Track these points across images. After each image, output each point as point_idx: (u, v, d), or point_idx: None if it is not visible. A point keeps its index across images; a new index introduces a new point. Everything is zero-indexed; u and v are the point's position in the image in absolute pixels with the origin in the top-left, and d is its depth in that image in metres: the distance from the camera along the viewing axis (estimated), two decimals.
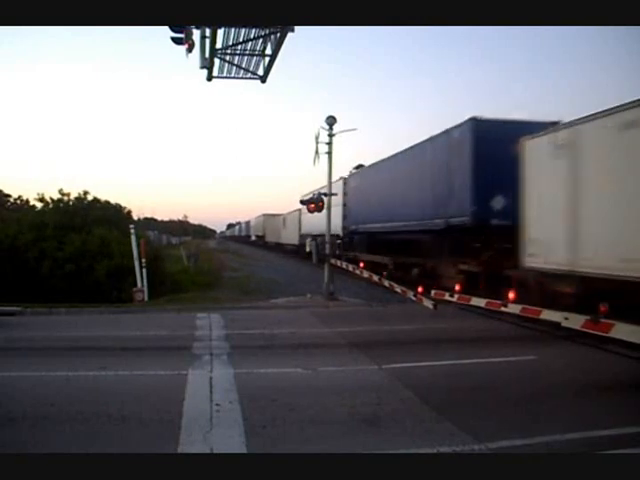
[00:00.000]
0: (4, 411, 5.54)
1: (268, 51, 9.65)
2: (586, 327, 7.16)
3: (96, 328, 10.95)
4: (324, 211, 16.05)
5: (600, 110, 8.29)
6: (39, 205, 21.73)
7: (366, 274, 15.79)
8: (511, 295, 9.18)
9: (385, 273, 15.24)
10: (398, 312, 12.84)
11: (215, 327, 10.75)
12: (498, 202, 12.20)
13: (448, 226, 13.56)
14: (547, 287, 9.51)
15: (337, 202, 21.46)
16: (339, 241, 23.10)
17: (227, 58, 9.90)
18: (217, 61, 9.90)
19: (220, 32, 8.81)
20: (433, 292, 11.64)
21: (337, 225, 22.67)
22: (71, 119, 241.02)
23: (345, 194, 23.26)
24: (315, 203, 15.91)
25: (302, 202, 17.66)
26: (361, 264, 18.04)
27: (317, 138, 15.44)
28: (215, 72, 10.24)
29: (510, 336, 9.93)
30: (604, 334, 6.95)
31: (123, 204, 25.35)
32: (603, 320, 6.85)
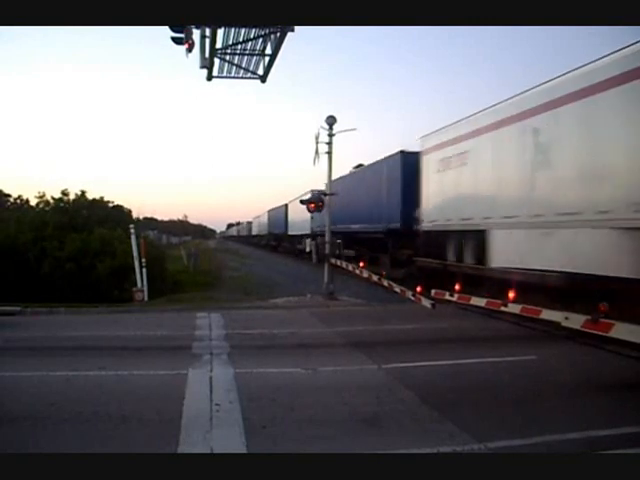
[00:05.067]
0: (4, 411, 5.55)
1: (268, 51, 9.65)
2: (586, 327, 7.15)
3: (96, 328, 10.95)
4: None
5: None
6: (39, 203, 21.76)
7: (366, 274, 15.77)
8: (511, 295, 9.18)
9: (385, 273, 15.32)
10: (398, 312, 12.83)
11: (215, 327, 10.75)
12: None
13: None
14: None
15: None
16: (339, 241, 23.11)
17: (227, 58, 9.90)
18: (217, 61, 9.91)
19: (220, 32, 8.81)
20: (433, 292, 11.64)
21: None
22: (71, 119, 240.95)
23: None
24: (315, 203, 15.92)
25: (302, 202, 17.66)
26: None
27: (317, 138, 15.43)
28: (215, 72, 10.25)
29: (510, 336, 9.93)
30: (604, 334, 6.95)
31: (123, 204, 25.40)
32: (603, 320, 6.85)
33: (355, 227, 22.16)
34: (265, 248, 54.99)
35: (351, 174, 24.02)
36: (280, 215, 42.41)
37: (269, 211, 52.10)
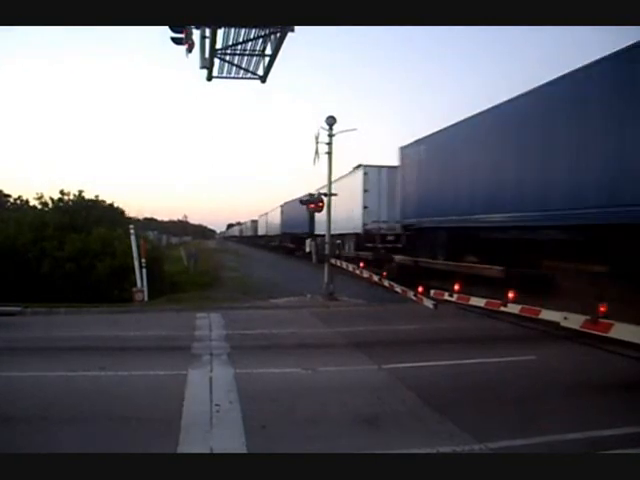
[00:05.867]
0: (3, 411, 5.54)
1: (268, 51, 9.65)
2: (585, 327, 7.15)
3: (96, 328, 10.94)
4: None
5: None
6: (39, 205, 21.70)
7: (366, 274, 15.74)
8: (511, 295, 9.16)
9: (385, 273, 14.99)
10: (398, 312, 12.83)
11: (215, 327, 10.75)
12: None
13: None
14: None
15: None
16: (339, 241, 23.06)
17: (227, 58, 9.89)
18: (217, 61, 9.90)
19: (220, 32, 8.81)
20: (433, 292, 11.63)
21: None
22: (71, 119, 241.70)
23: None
24: (315, 203, 15.91)
25: (302, 202, 17.63)
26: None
27: (317, 138, 15.42)
28: (215, 72, 10.24)
29: (510, 336, 9.94)
30: (604, 334, 6.95)
31: (123, 204, 25.26)
32: (602, 320, 6.84)
33: (499, 218, 11.46)
34: (277, 251, 46.03)
35: (475, 116, 12.58)
36: (300, 210, 30.60)
37: (283, 205, 41.77)
